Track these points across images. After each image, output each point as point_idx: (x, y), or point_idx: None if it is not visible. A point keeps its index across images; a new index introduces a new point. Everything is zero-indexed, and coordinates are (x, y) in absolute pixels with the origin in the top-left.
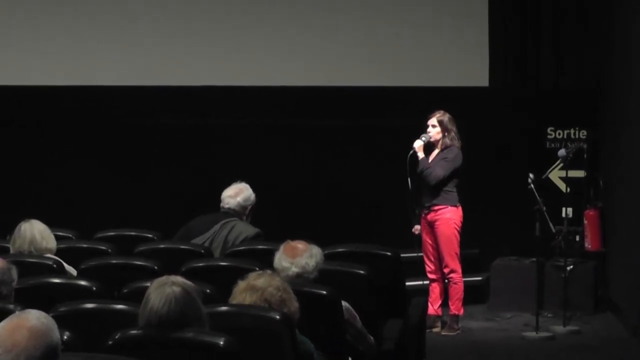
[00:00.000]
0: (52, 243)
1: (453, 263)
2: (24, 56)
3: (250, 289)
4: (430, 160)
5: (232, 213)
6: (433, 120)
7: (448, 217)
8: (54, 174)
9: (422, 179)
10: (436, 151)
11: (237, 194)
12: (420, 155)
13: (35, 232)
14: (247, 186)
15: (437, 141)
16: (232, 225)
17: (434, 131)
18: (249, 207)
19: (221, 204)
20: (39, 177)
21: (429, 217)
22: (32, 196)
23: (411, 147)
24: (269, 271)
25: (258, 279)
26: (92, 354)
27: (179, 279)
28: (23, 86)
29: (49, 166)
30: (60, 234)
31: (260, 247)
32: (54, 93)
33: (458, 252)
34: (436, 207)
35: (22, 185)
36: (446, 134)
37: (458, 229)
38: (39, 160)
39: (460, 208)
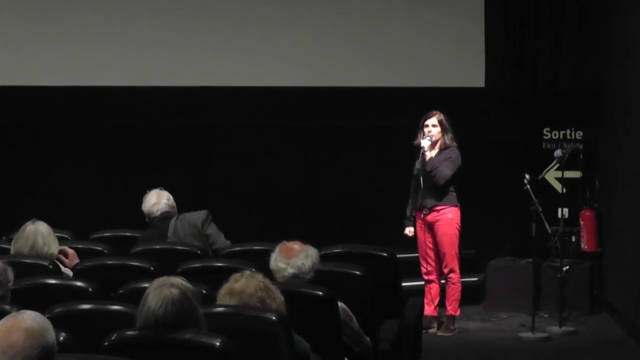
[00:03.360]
0: (53, 248)
1: (453, 263)
2: (20, 57)
3: (230, 294)
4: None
5: (167, 215)
6: (433, 120)
7: (450, 217)
8: (51, 174)
9: (427, 179)
10: (434, 151)
11: (159, 199)
12: (429, 155)
13: (38, 236)
14: (160, 189)
15: (436, 141)
16: (181, 221)
17: (435, 131)
18: (174, 205)
19: (149, 217)
20: (35, 178)
21: (429, 217)
22: (28, 196)
23: (419, 147)
24: (247, 271)
25: (236, 283)
26: (88, 355)
27: (179, 280)
28: (19, 86)
29: (45, 166)
30: (56, 234)
31: (256, 247)
32: (51, 93)
33: (458, 253)
34: (438, 208)
35: (18, 185)
36: (445, 134)
37: (459, 228)
38: (35, 160)
39: (459, 208)
